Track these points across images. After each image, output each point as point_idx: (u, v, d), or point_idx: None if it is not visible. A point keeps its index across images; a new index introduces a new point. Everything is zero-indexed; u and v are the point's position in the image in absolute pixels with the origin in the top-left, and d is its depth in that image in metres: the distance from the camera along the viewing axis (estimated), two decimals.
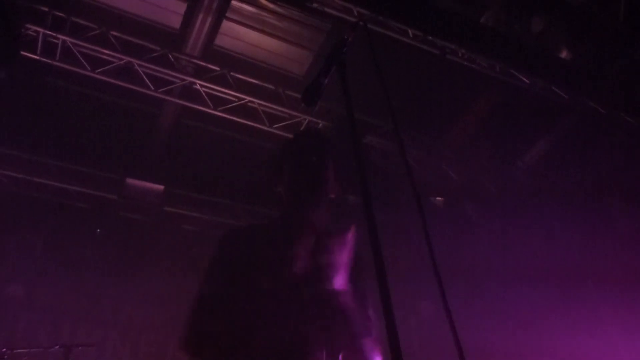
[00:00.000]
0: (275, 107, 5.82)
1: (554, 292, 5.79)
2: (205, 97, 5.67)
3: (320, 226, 2.05)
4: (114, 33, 5.26)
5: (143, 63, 5.35)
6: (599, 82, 5.56)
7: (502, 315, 5.88)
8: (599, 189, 6.01)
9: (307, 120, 5.92)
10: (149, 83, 5.43)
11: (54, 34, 4.97)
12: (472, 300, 5.74)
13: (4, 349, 4.46)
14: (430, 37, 5.30)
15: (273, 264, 1.89)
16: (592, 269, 5.82)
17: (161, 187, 6.45)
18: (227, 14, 5.73)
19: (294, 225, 2.04)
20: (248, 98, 5.73)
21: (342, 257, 1.98)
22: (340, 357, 1.79)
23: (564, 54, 5.52)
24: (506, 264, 5.94)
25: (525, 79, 5.54)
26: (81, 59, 5.13)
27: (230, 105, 5.74)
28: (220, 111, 5.71)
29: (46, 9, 4.96)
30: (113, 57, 5.24)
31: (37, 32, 4.91)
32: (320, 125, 5.90)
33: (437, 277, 1.28)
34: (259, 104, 5.80)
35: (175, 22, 5.78)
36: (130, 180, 6.22)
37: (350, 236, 1.99)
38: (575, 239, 5.90)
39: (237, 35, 6.02)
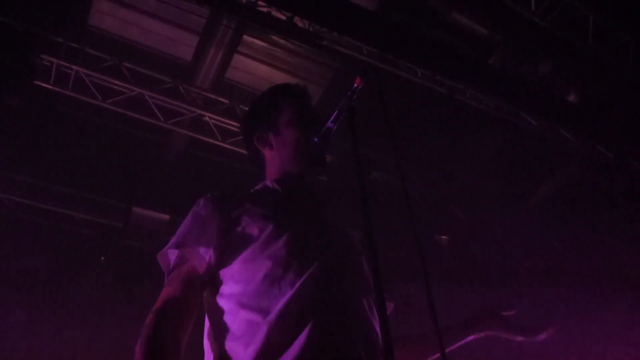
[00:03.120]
0: None
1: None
2: (214, 128, 5.72)
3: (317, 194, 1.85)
4: (127, 64, 5.35)
5: (154, 94, 5.43)
6: (607, 126, 5.58)
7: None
8: (605, 232, 5.97)
9: None
10: (159, 114, 5.49)
11: (68, 65, 5.06)
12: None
13: None
14: (438, 77, 5.35)
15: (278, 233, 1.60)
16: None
17: (166, 217, 6.47)
18: (239, 48, 5.82)
19: (295, 191, 1.80)
20: None
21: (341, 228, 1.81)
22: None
23: (571, 97, 5.54)
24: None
25: (532, 121, 5.56)
26: (93, 89, 5.21)
27: (238, 138, 5.78)
28: (228, 143, 5.76)
29: (61, 40, 5.06)
30: (124, 87, 5.32)
31: (51, 62, 5.00)
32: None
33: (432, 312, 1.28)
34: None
35: (187, 54, 5.86)
36: (137, 209, 6.24)
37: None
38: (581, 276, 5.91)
39: (248, 69, 6.10)
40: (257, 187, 1.88)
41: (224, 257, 1.59)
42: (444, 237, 5.96)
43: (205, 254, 1.58)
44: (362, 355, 1.44)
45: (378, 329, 1.50)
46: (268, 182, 1.85)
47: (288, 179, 1.82)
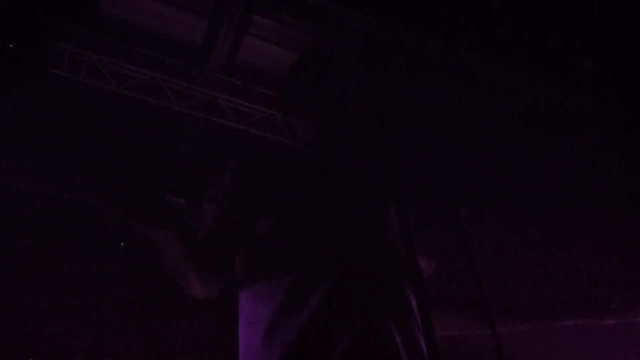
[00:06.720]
0: None
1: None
2: (228, 111, 5.71)
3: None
4: (138, 49, 5.34)
5: (166, 78, 5.42)
6: (624, 92, 5.49)
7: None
8: (626, 199, 5.91)
9: None
10: (172, 97, 5.48)
11: (80, 51, 5.05)
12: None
13: (30, 359, 4.52)
14: (450, 48, 5.29)
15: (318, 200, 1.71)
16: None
17: (183, 201, 6.48)
18: (249, 29, 5.77)
19: (320, 156, 1.86)
20: (270, 111, 5.76)
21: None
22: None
23: (588, 64, 5.46)
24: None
25: (549, 89, 5.49)
26: (106, 74, 5.20)
27: (253, 119, 5.77)
28: (242, 125, 5.74)
29: (72, 27, 5.04)
30: (137, 72, 5.31)
31: (64, 49, 4.99)
32: None
33: (479, 290, 1.27)
34: (282, 117, 5.81)
35: (198, 37, 5.83)
36: None
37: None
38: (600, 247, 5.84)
39: (259, 50, 6.06)
40: (285, 154, 1.98)
41: None
42: (462, 209, 5.93)
43: None
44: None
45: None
46: (296, 146, 1.94)
47: (315, 143, 1.87)
